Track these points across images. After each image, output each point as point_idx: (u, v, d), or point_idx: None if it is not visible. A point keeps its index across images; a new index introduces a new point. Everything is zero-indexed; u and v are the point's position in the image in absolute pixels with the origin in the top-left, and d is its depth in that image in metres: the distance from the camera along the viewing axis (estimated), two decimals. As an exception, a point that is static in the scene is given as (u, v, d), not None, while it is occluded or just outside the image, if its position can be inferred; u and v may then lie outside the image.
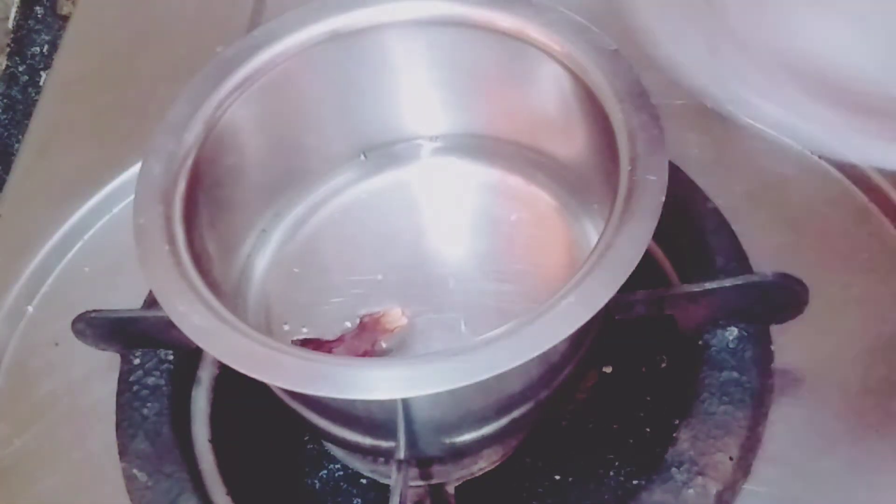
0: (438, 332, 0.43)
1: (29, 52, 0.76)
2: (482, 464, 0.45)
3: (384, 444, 0.41)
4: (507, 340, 0.33)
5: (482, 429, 0.41)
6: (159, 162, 0.40)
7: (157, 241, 0.38)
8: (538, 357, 0.33)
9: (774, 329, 0.44)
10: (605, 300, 0.34)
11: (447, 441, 0.41)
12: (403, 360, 0.34)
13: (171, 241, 0.38)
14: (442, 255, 0.47)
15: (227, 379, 0.48)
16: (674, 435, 0.41)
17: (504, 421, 0.41)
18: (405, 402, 0.38)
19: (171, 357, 0.47)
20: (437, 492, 0.44)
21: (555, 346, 0.33)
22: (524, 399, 0.41)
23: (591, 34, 0.43)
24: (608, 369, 0.49)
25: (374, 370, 0.34)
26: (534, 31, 0.44)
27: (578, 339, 0.41)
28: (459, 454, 0.43)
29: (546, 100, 0.46)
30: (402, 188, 0.50)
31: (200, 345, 0.35)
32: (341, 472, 0.48)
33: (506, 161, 0.49)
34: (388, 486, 0.43)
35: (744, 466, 0.41)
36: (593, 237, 0.44)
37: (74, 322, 0.45)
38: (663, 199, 0.36)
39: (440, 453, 0.43)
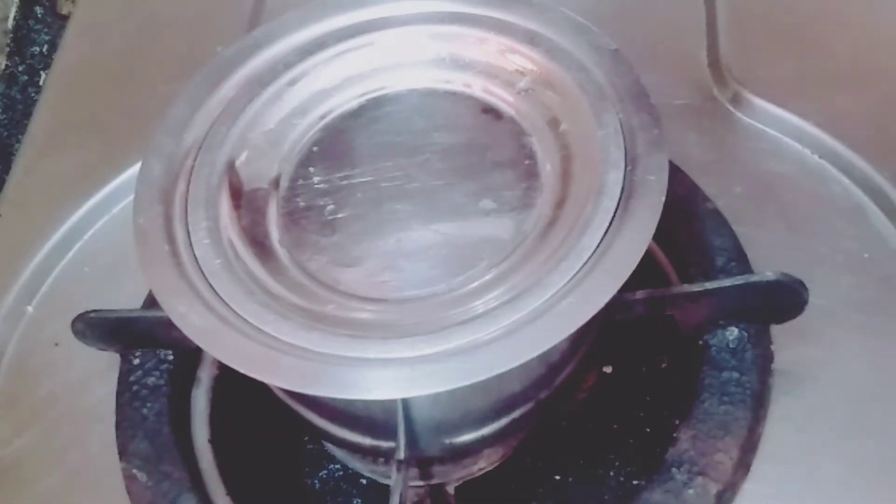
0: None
1: (28, 52, 0.76)
2: (482, 464, 0.45)
3: (384, 444, 0.41)
4: (507, 340, 0.33)
5: (482, 429, 0.41)
6: (159, 162, 0.40)
7: (156, 241, 0.38)
8: (538, 357, 0.33)
9: (774, 329, 0.44)
10: (606, 300, 0.34)
11: (447, 441, 0.41)
12: (403, 360, 0.34)
13: (171, 241, 0.38)
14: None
15: (227, 379, 0.48)
16: (674, 435, 0.41)
17: (504, 421, 0.41)
18: (405, 402, 0.38)
19: (170, 357, 0.47)
20: (437, 492, 0.44)
21: (555, 346, 0.33)
22: (524, 399, 0.41)
23: (591, 34, 0.43)
24: (608, 369, 0.49)
25: (373, 370, 0.34)
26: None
27: (578, 339, 0.41)
28: (459, 454, 0.43)
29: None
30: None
31: (200, 345, 0.35)
32: (341, 472, 0.48)
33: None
34: (388, 486, 0.43)
35: (744, 466, 0.41)
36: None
37: (74, 322, 0.45)
38: (663, 199, 0.36)
39: (440, 453, 0.43)
